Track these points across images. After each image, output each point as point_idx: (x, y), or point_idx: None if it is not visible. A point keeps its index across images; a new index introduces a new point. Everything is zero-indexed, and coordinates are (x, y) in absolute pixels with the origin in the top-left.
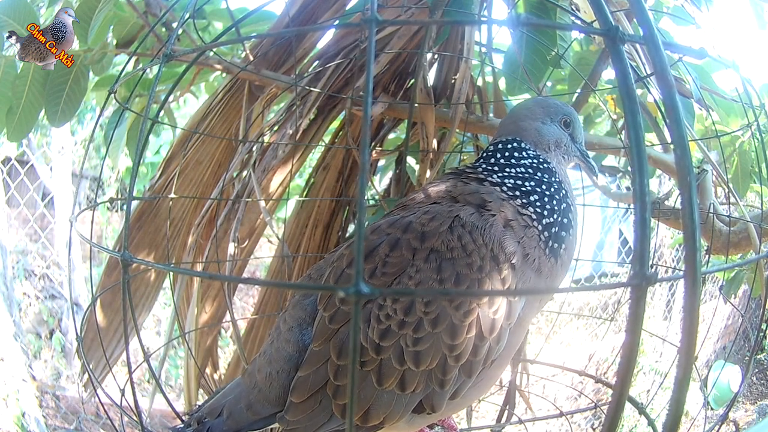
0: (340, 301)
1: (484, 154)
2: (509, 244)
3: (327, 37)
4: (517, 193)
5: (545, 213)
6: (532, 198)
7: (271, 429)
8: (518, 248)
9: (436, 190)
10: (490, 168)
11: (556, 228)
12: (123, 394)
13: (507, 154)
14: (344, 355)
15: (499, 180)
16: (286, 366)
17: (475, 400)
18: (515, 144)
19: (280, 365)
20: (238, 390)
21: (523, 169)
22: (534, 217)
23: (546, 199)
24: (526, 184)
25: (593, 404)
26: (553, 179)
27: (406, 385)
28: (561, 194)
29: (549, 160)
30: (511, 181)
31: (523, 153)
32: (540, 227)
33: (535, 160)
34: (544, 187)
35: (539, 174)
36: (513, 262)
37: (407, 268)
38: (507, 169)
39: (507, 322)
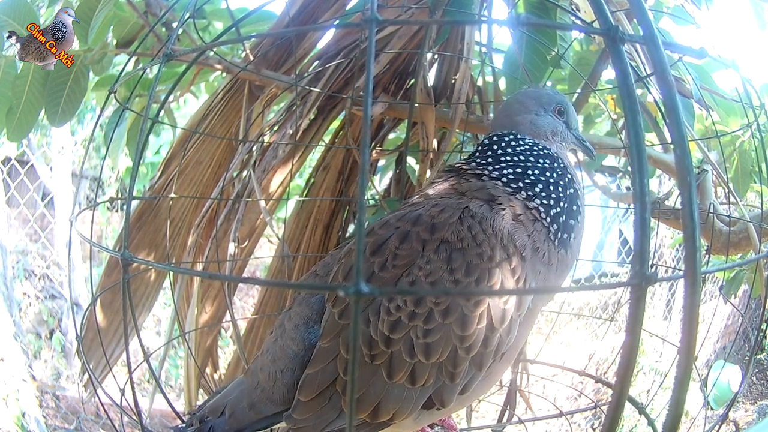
0: (341, 296)
1: (479, 148)
2: (519, 237)
3: (327, 37)
4: (521, 185)
5: (551, 203)
6: (537, 189)
7: (271, 430)
8: (528, 241)
9: (440, 188)
10: (485, 162)
11: (564, 217)
12: (123, 394)
13: (504, 145)
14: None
15: (497, 174)
16: (290, 364)
17: (483, 395)
18: (511, 136)
19: (285, 363)
20: (240, 389)
21: (523, 158)
22: (542, 210)
23: (551, 187)
24: (529, 173)
25: (593, 404)
26: (555, 164)
27: (416, 379)
28: (566, 179)
29: (549, 147)
30: (510, 171)
31: (520, 142)
32: (548, 219)
33: (535, 148)
34: (548, 174)
35: (541, 161)
36: (524, 254)
37: (417, 260)
38: (504, 159)
39: (517, 312)
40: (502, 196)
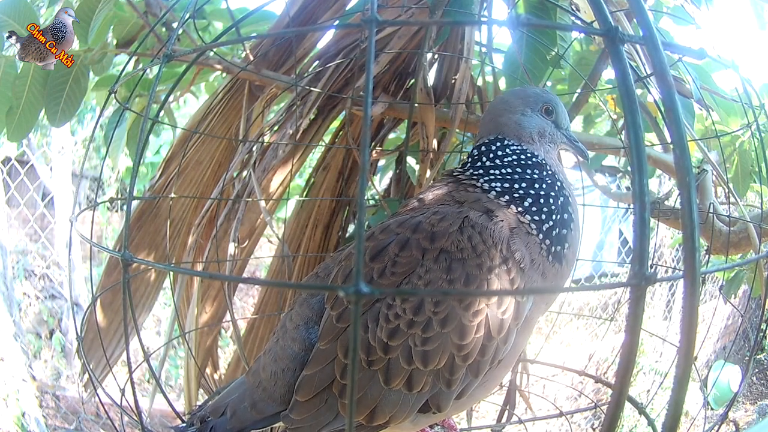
0: (347, 300)
1: (470, 159)
2: (518, 248)
3: (327, 37)
4: (508, 197)
5: (543, 217)
6: (526, 203)
7: (272, 429)
8: (526, 252)
9: (439, 194)
10: (477, 174)
11: (557, 229)
12: (123, 394)
13: (491, 155)
14: None
15: (488, 186)
16: (291, 364)
17: (480, 400)
18: (498, 143)
19: (286, 363)
20: (242, 389)
21: (510, 170)
22: (533, 226)
23: (542, 200)
24: (516, 186)
25: (593, 404)
26: (544, 173)
27: (413, 385)
28: (556, 188)
29: (536, 153)
30: (499, 185)
31: (507, 150)
32: (541, 236)
33: (522, 156)
34: (536, 186)
35: (529, 171)
36: (522, 266)
37: (417, 268)
38: (492, 171)
39: (515, 322)
40: (498, 209)
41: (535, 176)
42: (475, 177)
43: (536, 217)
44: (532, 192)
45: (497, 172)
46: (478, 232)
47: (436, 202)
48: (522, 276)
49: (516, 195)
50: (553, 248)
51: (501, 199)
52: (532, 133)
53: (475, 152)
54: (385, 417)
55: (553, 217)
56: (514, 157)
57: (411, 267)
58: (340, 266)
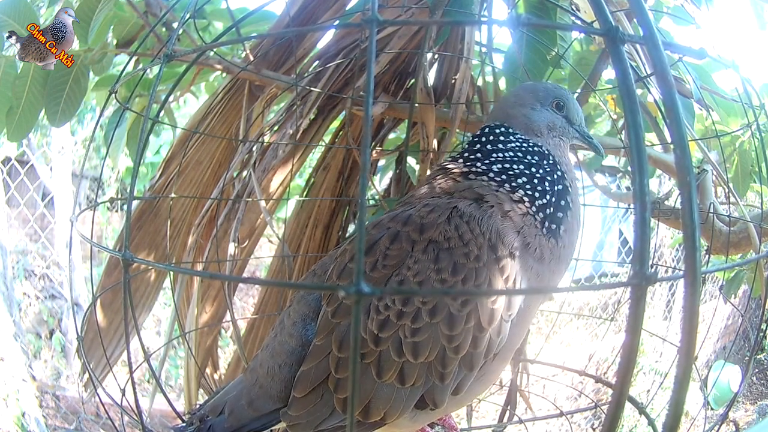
0: (342, 296)
1: (470, 141)
2: (508, 234)
3: (327, 37)
4: (504, 177)
5: (537, 195)
6: (520, 180)
7: (271, 430)
8: (518, 238)
9: (431, 188)
10: (473, 157)
11: (551, 209)
12: (123, 394)
13: (492, 138)
14: (345, 348)
15: (485, 168)
16: (288, 360)
17: (479, 395)
18: (503, 129)
19: (283, 359)
20: (240, 387)
21: (511, 153)
22: (526, 200)
23: (536, 180)
24: (514, 167)
25: (593, 404)
26: (544, 161)
27: (405, 378)
28: (555, 176)
29: (540, 144)
30: (498, 165)
31: (510, 138)
32: (534, 209)
33: (524, 145)
34: (533, 169)
35: (529, 157)
36: (513, 252)
37: (406, 260)
38: (493, 155)
39: (507, 313)
40: (490, 194)
41: (534, 162)
42: (469, 163)
43: (529, 193)
44: (527, 172)
45: (499, 155)
46: (466, 222)
47: (428, 196)
48: (513, 264)
49: (511, 173)
50: (547, 223)
51: (493, 181)
52: (540, 126)
53: (477, 133)
54: (380, 413)
55: (548, 197)
56: (517, 144)
57: (401, 259)
58: (335, 263)
